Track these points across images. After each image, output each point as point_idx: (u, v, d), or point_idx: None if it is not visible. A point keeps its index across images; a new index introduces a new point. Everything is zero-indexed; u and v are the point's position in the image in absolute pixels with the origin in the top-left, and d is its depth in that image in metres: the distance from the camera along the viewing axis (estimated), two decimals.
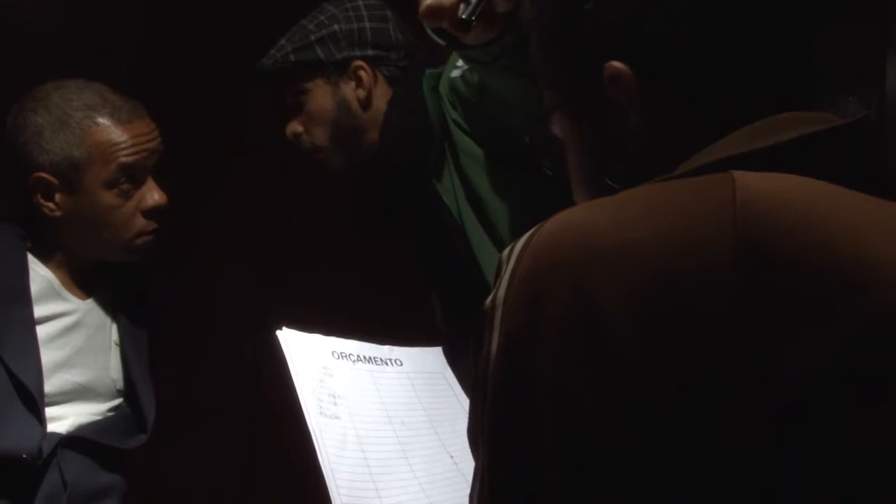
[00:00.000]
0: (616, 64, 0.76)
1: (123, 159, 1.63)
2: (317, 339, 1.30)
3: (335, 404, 1.20)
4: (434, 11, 1.15)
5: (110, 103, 1.65)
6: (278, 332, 1.25)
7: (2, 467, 1.56)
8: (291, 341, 1.25)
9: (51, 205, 1.64)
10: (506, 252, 0.71)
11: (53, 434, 1.61)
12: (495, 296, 0.70)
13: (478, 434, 0.71)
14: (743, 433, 0.62)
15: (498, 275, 0.71)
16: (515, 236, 1.60)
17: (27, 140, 1.62)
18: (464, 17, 1.11)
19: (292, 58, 1.72)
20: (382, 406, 1.24)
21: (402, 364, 1.32)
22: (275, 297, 2.70)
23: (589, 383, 0.64)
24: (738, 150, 0.71)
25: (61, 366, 1.66)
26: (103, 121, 1.63)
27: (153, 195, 1.67)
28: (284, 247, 2.73)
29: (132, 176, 1.65)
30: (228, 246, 2.80)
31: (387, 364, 1.31)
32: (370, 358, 1.31)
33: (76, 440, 1.64)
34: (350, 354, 1.29)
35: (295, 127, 1.76)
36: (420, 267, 1.84)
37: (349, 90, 1.72)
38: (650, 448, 0.63)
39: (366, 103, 1.72)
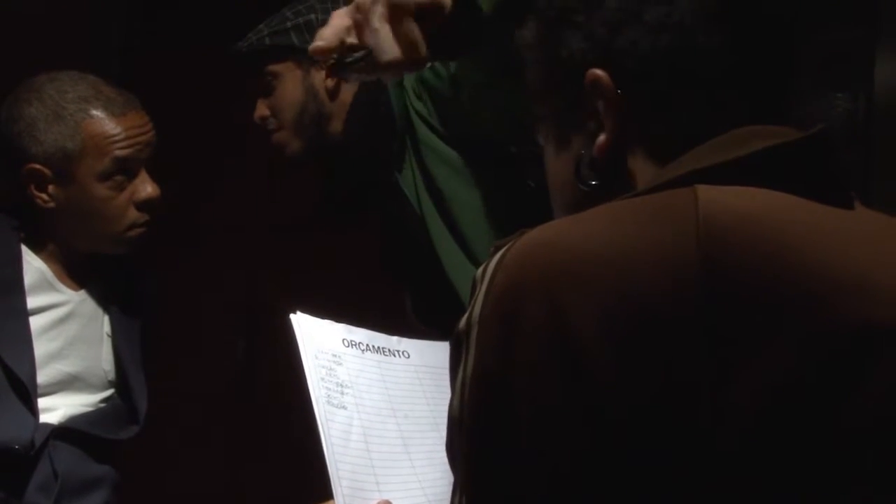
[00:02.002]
0: (597, 70, 0.80)
1: (117, 152, 1.63)
2: (328, 325, 1.29)
3: (342, 394, 1.20)
4: (321, 51, 1.22)
5: (104, 95, 1.65)
6: (292, 316, 1.24)
7: None
8: (304, 326, 1.24)
9: (44, 196, 1.64)
10: (479, 270, 0.74)
11: (45, 425, 1.61)
12: (470, 314, 0.72)
13: (456, 449, 0.74)
14: (709, 440, 0.64)
15: (473, 293, 0.73)
16: (477, 230, 1.62)
17: (21, 131, 1.62)
18: (342, 64, 1.19)
19: (267, 41, 1.76)
20: (388, 398, 1.24)
21: (409, 356, 1.31)
22: (266, 287, 2.70)
23: (562, 398, 0.66)
24: (701, 165, 0.74)
25: (54, 357, 1.66)
26: (97, 113, 1.63)
27: (146, 188, 1.67)
28: (275, 238, 2.73)
29: (126, 168, 1.65)
30: (219, 237, 2.80)
31: (395, 355, 1.31)
32: (379, 348, 1.30)
33: (68, 431, 1.64)
34: (360, 343, 1.28)
35: (263, 110, 1.81)
36: (387, 258, 1.86)
37: (318, 78, 1.75)
38: (622, 458, 0.65)
39: (333, 93, 1.75)
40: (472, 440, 0.71)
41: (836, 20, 2.11)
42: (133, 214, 1.67)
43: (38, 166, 1.62)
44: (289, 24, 1.76)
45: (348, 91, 1.75)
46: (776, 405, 0.64)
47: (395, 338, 1.35)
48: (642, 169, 0.80)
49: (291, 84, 1.76)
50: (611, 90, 0.80)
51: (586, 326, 0.66)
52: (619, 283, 0.66)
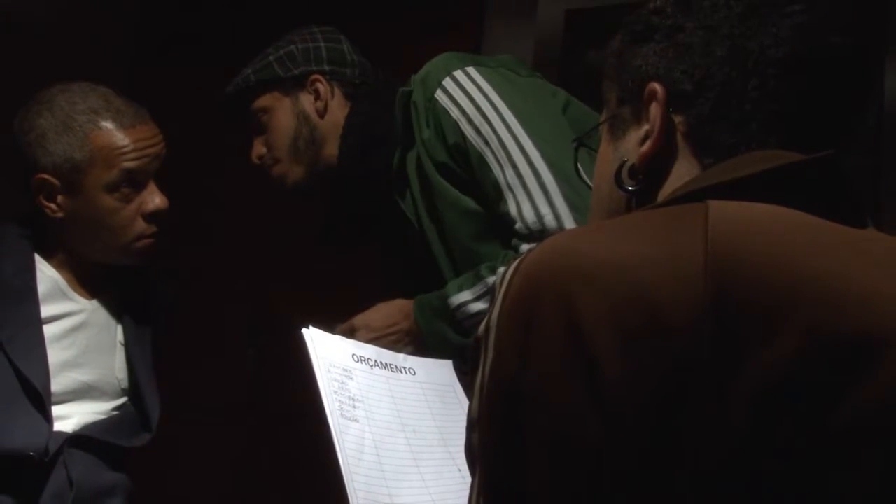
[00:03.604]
0: (656, 84, 0.87)
1: (126, 164, 1.64)
2: (339, 340, 1.32)
3: (354, 407, 1.21)
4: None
5: (114, 107, 1.66)
6: (304, 331, 1.26)
7: (9, 465, 1.57)
8: (317, 341, 1.26)
9: (52, 206, 1.65)
10: (499, 277, 0.77)
11: (59, 433, 1.62)
12: (489, 319, 0.76)
13: (474, 450, 0.76)
14: (713, 437, 0.67)
15: (492, 300, 0.77)
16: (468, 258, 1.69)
17: (31, 141, 1.63)
18: None
19: (252, 78, 1.82)
20: (397, 413, 1.26)
21: (415, 373, 1.33)
22: (275, 295, 2.71)
23: (574, 396, 0.69)
24: (712, 182, 0.80)
25: (67, 365, 1.67)
26: (106, 125, 1.64)
27: (154, 199, 1.68)
28: (285, 249, 2.74)
29: (134, 180, 1.66)
30: (228, 245, 2.81)
31: (401, 372, 1.33)
32: (386, 364, 1.32)
33: (82, 439, 1.65)
34: (368, 359, 1.30)
35: (259, 148, 1.85)
36: (389, 279, 1.88)
37: (308, 103, 1.80)
38: (631, 453, 0.68)
39: (324, 114, 1.80)
40: (489, 440, 0.74)
41: None
42: (141, 226, 1.68)
43: (46, 176, 1.63)
44: (271, 58, 1.82)
45: (339, 113, 1.79)
46: (774, 405, 0.67)
47: (401, 355, 1.37)
48: (676, 182, 0.85)
49: (282, 113, 1.81)
50: (664, 105, 0.86)
51: (597, 326, 0.69)
52: (629, 285, 0.70)
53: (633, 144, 0.89)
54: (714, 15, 0.85)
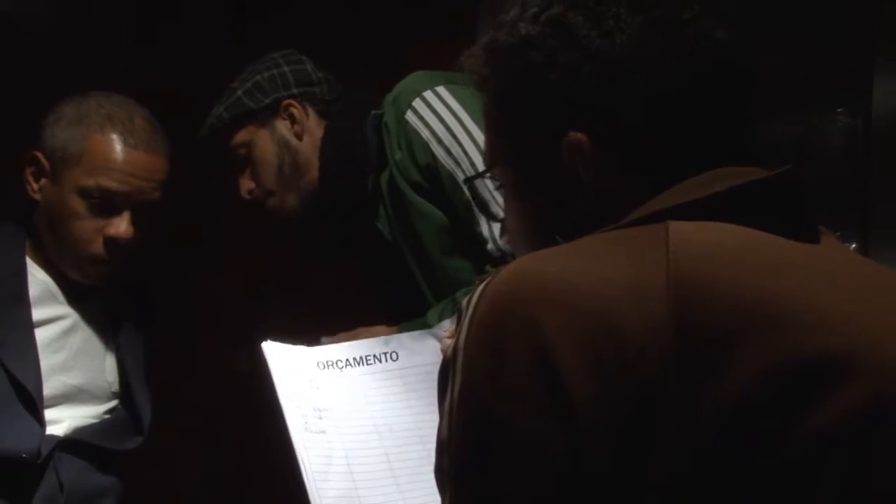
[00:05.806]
0: (576, 134, 0.83)
1: (103, 180, 1.62)
2: (301, 350, 1.26)
3: (320, 418, 1.18)
4: None
5: (131, 125, 1.65)
6: (262, 345, 1.22)
7: (1, 468, 1.57)
8: (275, 355, 1.21)
9: (35, 185, 1.68)
10: (465, 301, 0.77)
11: (51, 436, 1.62)
12: (456, 343, 0.75)
13: (444, 472, 0.76)
14: (677, 457, 0.67)
15: (459, 321, 0.76)
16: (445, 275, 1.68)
17: (50, 122, 1.67)
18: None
19: (225, 115, 1.81)
20: (370, 415, 1.22)
21: (396, 358, 1.28)
22: (268, 302, 2.71)
23: (542, 418, 0.69)
24: (672, 203, 0.78)
25: (58, 369, 1.67)
26: (111, 134, 1.64)
27: (120, 225, 1.64)
28: (279, 254, 2.74)
29: (108, 199, 1.63)
30: (224, 250, 2.81)
31: (380, 361, 1.27)
32: (360, 358, 1.27)
33: (73, 443, 1.65)
34: (337, 361, 1.25)
35: (246, 183, 1.82)
36: (374, 298, 1.88)
37: (285, 129, 1.79)
38: (597, 477, 0.68)
39: (302, 136, 1.79)
40: (459, 463, 0.74)
41: (836, 40, 2.14)
42: (97, 246, 1.64)
43: (41, 156, 1.66)
44: (239, 92, 1.81)
45: (317, 133, 1.79)
46: (738, 425, 0.67)
47: (382, 338, 1.32)
48: (622, 214, 0.82)
49: (262, 144, 1.79)
50: (591, 152, 0.83)
51: (565, 350, 0.69)
52: (594, 308, 0.70)
53: (559, 190, 0.85)
54: (608, 40, 0.82)
